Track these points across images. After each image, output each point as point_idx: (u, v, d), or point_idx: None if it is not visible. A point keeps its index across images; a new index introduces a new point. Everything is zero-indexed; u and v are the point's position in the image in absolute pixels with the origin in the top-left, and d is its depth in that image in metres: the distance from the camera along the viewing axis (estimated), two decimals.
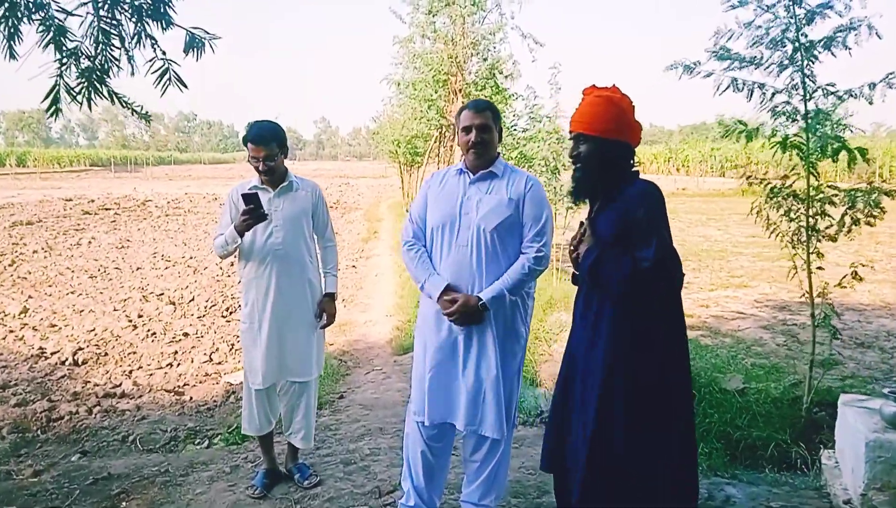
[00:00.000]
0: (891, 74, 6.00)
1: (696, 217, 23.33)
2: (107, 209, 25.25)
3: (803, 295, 5.44)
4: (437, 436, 3.30)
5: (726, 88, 5.81)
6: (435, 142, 16.82)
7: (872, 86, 5.37)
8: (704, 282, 11.76)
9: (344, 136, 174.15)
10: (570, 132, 2.73)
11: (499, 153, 3.29)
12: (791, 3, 5.39)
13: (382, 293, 10.10)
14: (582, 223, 2.79)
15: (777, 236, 5.69)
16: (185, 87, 3.49)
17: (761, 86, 5.59)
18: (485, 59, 9.87)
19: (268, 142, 3.70)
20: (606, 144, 2.61)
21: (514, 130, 10.81)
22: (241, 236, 3.69)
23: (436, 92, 9.75)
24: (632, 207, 2.52)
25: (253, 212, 3.58)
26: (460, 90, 9.76)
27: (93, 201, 28.27)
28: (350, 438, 4.63)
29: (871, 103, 5.28)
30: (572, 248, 2.77)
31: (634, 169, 2.69)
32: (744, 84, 5.69)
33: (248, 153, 3.75)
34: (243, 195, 3.64)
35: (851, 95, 5.47)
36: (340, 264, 14.32)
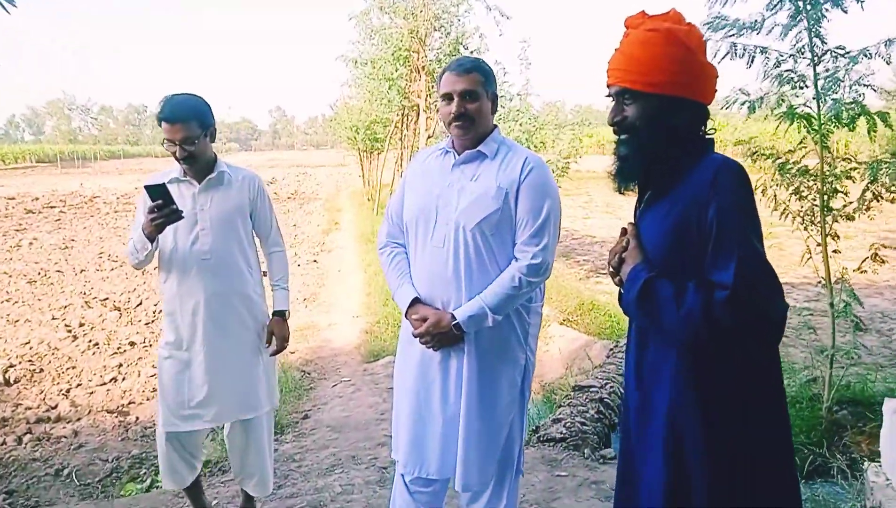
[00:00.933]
0: None
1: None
2: (51, 207, 23.93)
3: (819, 282, 4.91)
4: (424, 489, 2.61)
5: (725, 55, 5.25)
6: (395, 127, 16.07)
7: (889, 43, 4.84)
8: None
9: (300, 124, 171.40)
10: (609, 86, 1.82)
11: (494, 126, 2.57)
12: None
13: (347, 291, 9.37)
14: (624, 230, 1.88)
15: (786, 216, 5.17)
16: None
17: (763, 50, 5.04)
18: (447, 34, 9.14)
19: (186, 120, 2.82)
20: (666, 103, 1.71)
21: None
22: (151, 240, 2.82)
23: (396, 70, 8.99)
24: (700, 199, 1.62)
25: (161, 209, 2.70)
26: (423, 67, 9.05)
27: (37, 198, 26.83)
28: (318, 471, 3.96)
29: (888, 63, 4.77)
30: (612, 267, 1.88)
31: (707, 137, 1.78)
32: (744, 49, 5.13)
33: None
34: (147, 187, 2.73)
35: (866, 56, 4.94)
36: (301, 258, 13.56)
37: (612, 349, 5.39)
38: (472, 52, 9.34)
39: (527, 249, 2.43)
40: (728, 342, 1.58)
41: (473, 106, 2.44)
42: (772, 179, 5.16)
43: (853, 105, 4.54)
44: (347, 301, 8.69)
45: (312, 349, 6.75)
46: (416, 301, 2.48)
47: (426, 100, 9.16)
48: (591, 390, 4.62)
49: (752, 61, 5.05)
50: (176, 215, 2.75)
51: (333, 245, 14.30)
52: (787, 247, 12.49)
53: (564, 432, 4.09)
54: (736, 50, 5.19)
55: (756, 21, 5.14)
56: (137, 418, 6.49)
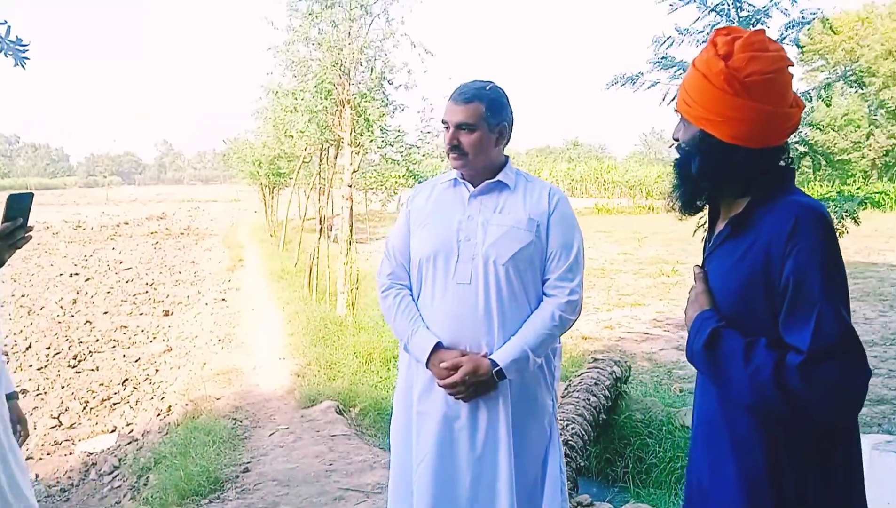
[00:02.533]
0: (849, 68, 5.73)
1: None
2: None
3: None
4: None
5: (674, 98, 5.35)
6: (303, 162, 15.65)
7: (829, 86, 5.08)
8: (600, 302, 11.48)
9: (189, 158, 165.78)
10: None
11: (507, 158, 2.40)
12: (730, 6, 5.04)
13: (267, 331, 8.86)
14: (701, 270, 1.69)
15: None
16: None
17: None
18: (371, 69, 8.96)
19: None
20: (707, 139, 1.56)
21: (402, 146, 10.01)
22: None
23: (321, 103, 8.71)
24: (775, 251, 1.44)
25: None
26: (347, 101, 8.80)
27: None
28: None
29: (828, 105, 4.97)
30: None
31: (785, 167, 1.59)
32: None
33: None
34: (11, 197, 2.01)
35: (806, 98, 5.16)
36: (207, 296, 12.84)
37: (566, 388, 5.26)
38: (396, 88, 9.22)
39: (563, 284, 2.26)
40: (800, 412, 1.40)
41: (468, 138, 2.26)
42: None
43: (797, 144, 4.69)
44: (269, 342, 8.20)
45: (239, 394, 6.25)
46: (438, 347, 2.23)
47: (351, 133, 8.91)
48: None
49: None
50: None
51: (241, 283, 13.64)
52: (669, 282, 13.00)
53: (560, 485, 3.87)
54: None
55: None
56: (38, 475, 5.79)
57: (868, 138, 39.40)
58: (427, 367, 2.24)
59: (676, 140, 1.67)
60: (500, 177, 2.32)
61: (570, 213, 2.35)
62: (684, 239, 20.71)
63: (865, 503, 1.52)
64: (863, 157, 39.64)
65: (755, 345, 1.44)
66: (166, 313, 12.15)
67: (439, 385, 2.21)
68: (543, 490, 2.38)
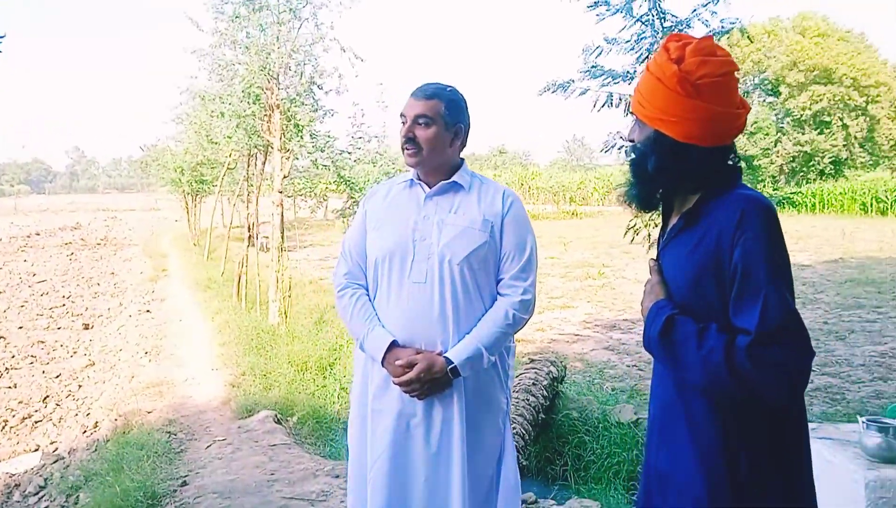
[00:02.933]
0: (765, 78, 6.01)
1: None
2: None
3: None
4: None
5: (604, 104, 5.54)
6: (228, 168, 15.33)
7: (755, 87, 5.35)
8: None
9: (103, 166, 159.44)
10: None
11: (462, 160, 2.45)
12: (655, 17, 5.26)
13: (196, 342, 8.62)
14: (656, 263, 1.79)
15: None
16: None
17: None
18: (300, 74, 8.88)
19: None
20: (661, 138, 1.65)
21: (332, 151, 9.95)
22: None
23: (248, 108, 8.56)
24: (725, 240, 1.54)
25: None
26: (277, 106, 8.68)
27: None
28: None
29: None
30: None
31: (733, 165, 1.69)
32: (620, 98, 5.45)
33: None
34: None
35: None
36: (130, 308, 12.38)
37: None
38: (326, 93, 9.15)
39: (516, 284, 2.32)
40: (749, 391, 1.49)
41: (425, 133, 2.31)
42: (649, 219, 5.45)
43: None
44: (200, 353, 7.98)
45: (172, 406, 6.06)
46: (394, 345, 2.26)
47: (280, 139, 8.79)
48: None
49: (629, 110, 5.36)
50: None
51: (166, 293, 13.22)
52: (595, 285, 13.39)
53: (512, 483, 3.91)
54: (612, 99, 5.48)
55: (629, 72, 5.47)
56: None
57: (776, 145, 41.45)
58: (382, 365, 2.26)
59: (632, 141, 1.76)
60: (455, 178, 2.37)
61: (524, 214, 2.42)
62: (608, 243, 21.31)
63: (813, 485, 1.63)
64: (771, 162, 41.64)
65: (707, 330, 1.54)
66: (86, 327, 11.66)
67: (394, 383, 2.24)
68: (498, 489, 2.43)
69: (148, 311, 11.55)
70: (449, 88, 2.39)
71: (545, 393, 5.39)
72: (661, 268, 1.74)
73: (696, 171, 1.66)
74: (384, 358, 2.25)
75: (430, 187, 2.37)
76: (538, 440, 5.24)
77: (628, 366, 7.95)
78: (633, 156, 1.76)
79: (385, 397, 2.29)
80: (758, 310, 1.47)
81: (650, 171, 1.68)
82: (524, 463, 4.54)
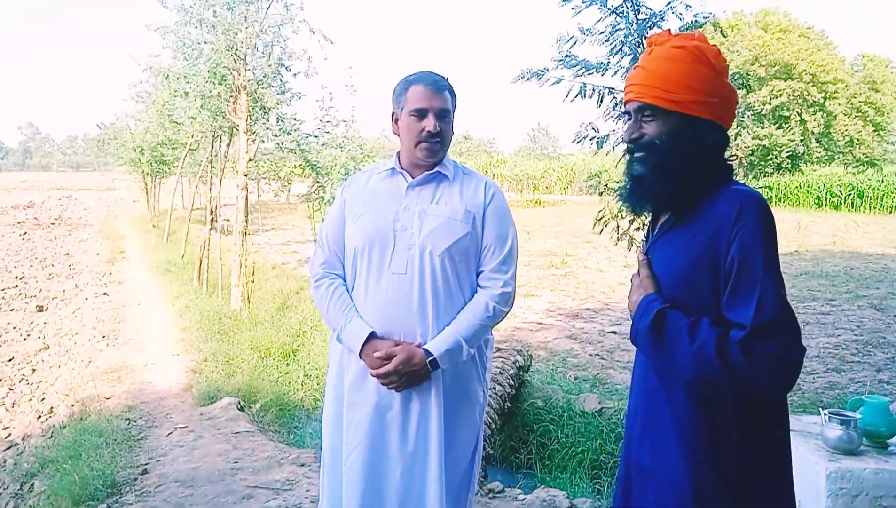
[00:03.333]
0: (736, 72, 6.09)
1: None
2: None
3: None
4: None
5: (577, 95, 5.54)
6: (190, 149, 15.01)
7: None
8: None
9: (58, 143, 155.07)
10: (627, 102, 1.73)
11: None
12: (629, 9, 5.27)
13: (156, 326, 8.44)
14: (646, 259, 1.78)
15: (630, 246, 5.52)
16: None
17: (611, 90, 5.39)
18: (268, 55, 8.71)
19: None
20: (688, 123, 1.63)
21: (299, 135, 9.81)
22: None
23: (214, 88, 8.37)
24: (723, 234, 1.54)
25: None
26: (243, 87, 8.51)
27: None
28: None
29: None
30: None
31: (728, 163, 1.72)
32: (594, 89, 5.46)
33: None
34: None
35: None
36: (87, 290, 12.08)
37: None
38: (294, 75, 8.99)
39: (497, 276, 2.30)
40: (740, 385, 1.50)
41: (447, 128, 2.31)
42: (617, 211, 5.48)
43: None
44: (160, 338, 7.82)
45: (132, 392, 5.93)
46: (372, 337, 2.22)
47: (246, 121, 8.62)
48: None
49: (602, 101, 5.37)
50: None
51: (123, 276, 12.92)
52: (558, 274, 13.52)
53: (476, 478, 3.91)
54: (585, 90, 5.48)
55: (602, 63, 5.47)
56: None
57: (736, 139, 41.88)
58: (360, 357, 2.23)
59: (636, 140, 1.69)
60: (439, 168, 2.34)
61: (505, 206, 2.40)
62: (571, 232, 21.47)
63: (792, 479, 1.65)
64: (731, 156, 42.28)
65: (699, 323, 1.54)
66: (40, 309, 11.32)
67: (372, 375, 2.21)
68: (472, 481, 2.42)
69: (105, 294, 11.28)
70: (447, 78, 2.39)
71: (511, 382, 5.41)
72: (650, 263, 1.74)
73: (710, 153, 1.67)
74: (362, 349, 2.21)
75: (412, 177, 2.34)
76: (504, 428, 5.27)
77: (591, 355, 8.03)
78: (645, 154, 1.68)
79: (362, 389, 2.26)
80: (753, 304, 1.49)
81: (680, 162, 1.64)
82: (490, 452, 4.56)
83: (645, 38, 5.24)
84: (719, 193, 1.62)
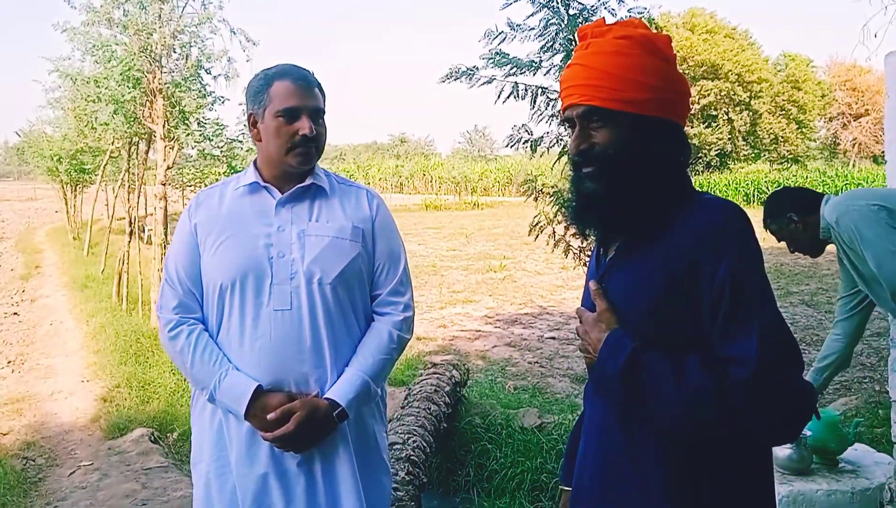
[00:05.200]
0: None
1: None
2: None
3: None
4: None
5: (509, 95, 5.32)
6: (111, 157, 14.27)
7: None
8: (433, 300, 11.42)
9: None
10: (567, 108, 1.44)
11: None
12: (559, 4, 5.08)
13: (67, 350, 7.84)
14: (599, 285, 1.45)
15: (567, 253, 5.32)
16: None
17: (544, 90, 5.19)
18: (187, 56, 8.24)
19: None
20: (645, 124, 1.36)
21: (222, 140, 9.35)
22: None
23: (128, 92, 7.85)
24: (703, 252, 1.27)
25: None
26: (159, 90, 8.01)
27: None
28: None
29: None
30: (582, 344, 1.47)
31: (686, 162, 1.43)
32: (526, 89, 5.24)
33: None
34: None
35: None
36: None
37: (406, 398, 5.03)
38: (215, 78, 8.54)
39: (396, 300, 2.01)
40: (743, 432, 1.24)
41: (323, 130, 1.95)
42: (553, 216, 5.27)
43: None
44: (70, 362, 7.25)
45: (32, 427, 5.40)
46: (258, 392, 1.84)
47: (164, 126, 8.12)
48: (395, 447, 4.19)
49: (535, 101, 5.15)
50: None
51: (37, 293, 12.13)
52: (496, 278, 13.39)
53: None
54: (518, 90, 5.26)
55: (534, 61, 5.26)
56: None
57: None
58: (246, 418, 1.84)
59: (585, 151, 1.40)
60: (312, 179, 1.97)
61: (391, 217, 2.09)
62: (508, 235, 21.41)
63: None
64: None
65: (685, 364, 1.25)
66: None
67: (265, 439, 1.83)
68: None
69: (16, 313, 10.52)
70: (313, 73, 2.03)
71: (447, 400, 5.12)
72: (606, 292, 1.42)
73: (671, 158, 1.40)
74: (248, 411, 1.83)
75: (281, 192, 1.96)
76: (439, 450, 4.98)
77: (530, 363, 7.85)
78: (597, 168, 1.39)
79: (252, 458, 1.88)
80: (755, 335, 1.22)
81: (641, 174, 1.35)
82: (424, 480, 4.25)
83: (576, 32, 5.04)
84: (688, 205, 1.35)
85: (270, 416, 1.80)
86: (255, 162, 2.02)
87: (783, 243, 2.90)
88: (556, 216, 5.26)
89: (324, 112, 1.96)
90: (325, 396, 1.87)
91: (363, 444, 1.98)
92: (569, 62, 1.48)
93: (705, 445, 1.29)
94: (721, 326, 1.25)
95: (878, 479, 3.03)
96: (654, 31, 4.33)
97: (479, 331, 9.49)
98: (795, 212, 2.80)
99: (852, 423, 3.27)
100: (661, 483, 1.32)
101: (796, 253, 2.92)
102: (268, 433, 1.82)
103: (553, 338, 8.92)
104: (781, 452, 3.04)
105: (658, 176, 1.37)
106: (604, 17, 1.53)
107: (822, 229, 2.75)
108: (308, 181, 1.96)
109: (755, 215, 1.83)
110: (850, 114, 48.11)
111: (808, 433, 3.04)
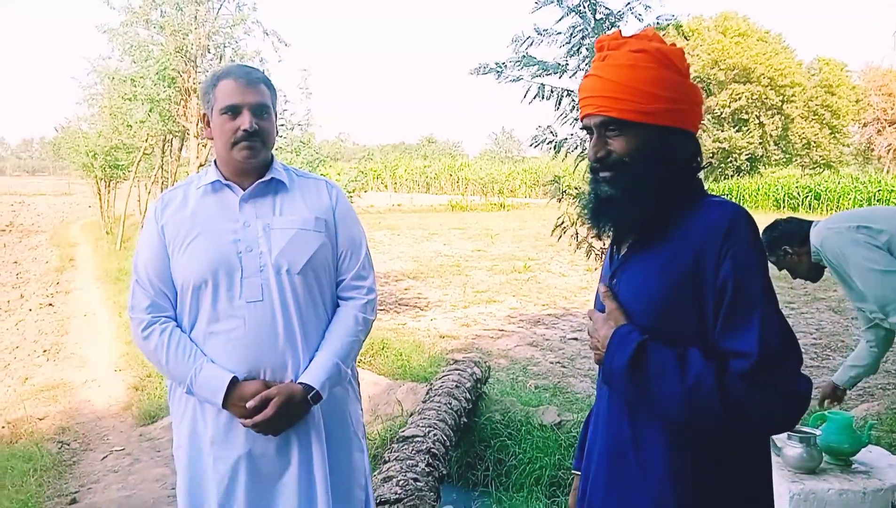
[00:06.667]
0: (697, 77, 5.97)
1: (419, 232, 23.60)
2: None
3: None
4: None
5: (535, 96, 5.40)
6: (144, 154, 14.63)
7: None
8: (457, 299, 11.52)
9: (13, 147, 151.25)
10: (586, 117, 1.52)
11: (272, 154, 2.17)
12: (586, 9, 5.14)
13: (100, 340, 8.07)
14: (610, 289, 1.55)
15: (589, 253, 5.39)
16: None
17: (569, 92, 5.26)
18: (221, 56, 8.44)
19: None
20: (659, 133, 1.45)
21: None
22: None
23: (163, 91, 8.07)
24: (710, 252, 1.36)
25: None
26: (194, 90, 8.22)
27: None
28: None
29: None
30: (590, 333, 1.59)
31: (697, 167, 1.53)
32: (552, 91, 5.32)
33: None
34: None
35: None
36: (31, 301, 11.59)
37: (428, 393, 5.14)
38: None
39: (360, 284, 2.13)
40: (742, 423, 1.33)
41: (266, 124, 2.03)
42: (576, 218, 5.34)
43: None
44: (103, 352, 7.47)
45: (67, 412, 5.60)
46: (233, 382, 1.94)
47: (197, 125, 8.33)
48: (416, 440, 4.30)
49: (560, 103, 5.22)
50: None
51: (71, 286, 12.45)
52: (521, 278, 13.43)
53: (399, 491, 3.70)
54: (544, 92, 5.33)
55: (560, 64, 5.33)
56: None
57: None
58: (224, 407, 1.94)
59: (602, 158, 1.49)
60: (272, 175, 2.07)
61: (350, 205, 2.21)
62: (533, 236, 21.41)
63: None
64: (705, 163, 42.95)
65: (688, 355, 1.35)
66: None
67: (245, 425, 1.94)
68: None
69: (50, 305, 10.81)
70: (260, 70, 2.15)
71: (468, 396, 5.22)
72: (614, 293, 1.52)
73: (685, 164, 1.50)
74: (226, 399, 1.93)
75: (242, 189, 2.05)
76: (459, 444, 5.07)
77: (552, 363, 7.89)
78: (613, 174, 1.48)
79: (230, 442, 1.99)
80: (756, 329, 1.31)
81: (655, 180, 1.45)
82: (445, 472, 4.35)
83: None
84: (696, 207, 1.44)
85: (249, 404, 1.90)
86: (214, 162, 2.13)
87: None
88: (579, 218, 5.33)
89: (269, 107, 2.05)
90: (298, 380, 1.98)
91: (336, 423, 2.10)
92: (587, 72, 1.57)
93: (707, 433, 1.37)
94: (723, 321, 1.35)
95: (891, 480, 3.05)
96: (682, 37, 4.42)
97: (503, 330, 9.55)
98: (789, 245, 3.00)
99: (867, 425, 3.30)
100: (664, 469, 1.41)
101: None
102: (247, 420, 1.92)
103: (575, 339, 8.95)
104: (791, 451, 3.08)
105: (670, 181, 1.46)
106: (620, 29, 1.62)
107: (813, 254, 2.91)
108: (268, 176, 2.06)
109: None
110: (885, 119, 47.28)
111: (819, 432, 3.09)
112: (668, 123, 1.45)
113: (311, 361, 2.01)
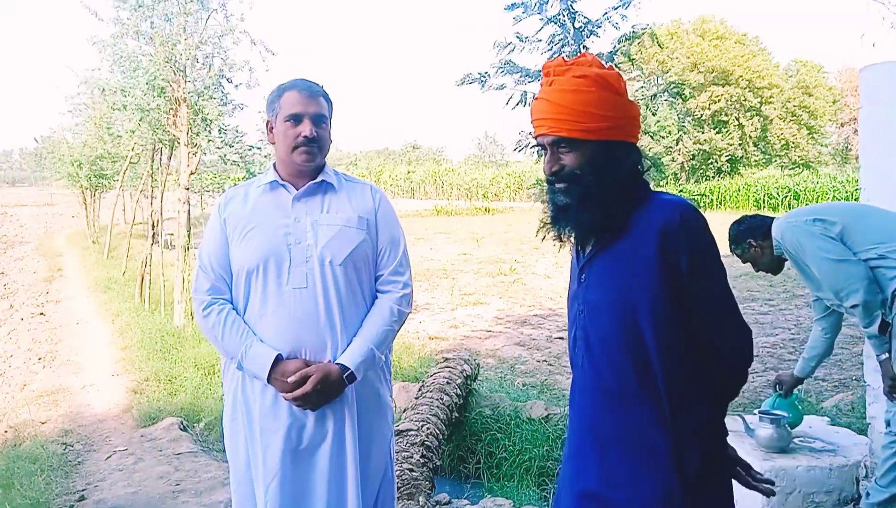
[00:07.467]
0: (672, 83, 6.16)
1: (406, 238, 23.63)
2: None
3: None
4: None
5: (518, 102, 5.61)
6: (130, 163, 14.68)
7: (654, 97, 5.48)
8: (444, 302, 11.71)
9: None
10: (539, 136, 1.73)
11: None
12: (566, 19, 5.36)
13: (95, 346, 8.19)
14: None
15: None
16: None
17: None
18: (209, 67, 8.58)
19: None
20: (604, 147, 1.65)
21: (241, 146, 9.69)
22: None
23: (153, 101, 8.20)
24: (664, 243, 1.57)
25: None
26: (183, 99, 8.36)
27: None
28: None
29: (654, 114, 5.44)
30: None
31: (642, 171, 1.73)
32: (534, 97, 5.54)
33: None
34: None
35: (647, 106, 5.56)
36: (22, 310, 11.67)
37: (420, 389, 5.33)
38: (236, 87, 8.89)
39: (396, 279, 2.33)
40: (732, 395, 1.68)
41: (324, 133, 2.28)
42: None
43: None
44: (99, 358, 7.59)
45: (69, 416, 5.73)
46: (279, 360, 2.16)
47: (187, 133, 8.47)
48: (410, 433, 4.49)
49: None
50: None
51: (61, 295, 12.52)
52: (507, 281, 13.64)
53: (396, 481, 3.89)
54: (526, 98, 5.54)
55: (541, 71, 5.55)
56: None
57: (678, 144, 43.23)
58: (269, 382, 2.16)
59: (556, 172, 1.68)
60: (322, 177, 2.31)
61: (392, 209, 2.44)
62: (518, 239, 21.63)
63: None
64: (673, 160, 43.40)
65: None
66: None
67: (286, 399, 2.15)
68: (392, 488, 2.45)
69: (42, 314, 10.90)
70: (322, 85, 2.38)
71: (459, 392, 5.41)
72: (586, 287, 1.74)
73: (630, 171, 1.70)
74: (270, 374, 2.14)
75: (296, 189, 2.29)
76: (451, 438, 5.27)
77: (538, 361, 8.09)
78: (567, 184, 1.67)
79: (274, 413, 2.20)
80: (716, 318, 1.64)
81: (604, 187, 1.64)
82: (438, 463, 4.54)
83: (582, 45, 5.33)
84: (647, 205, 1.65)
85: (290, 379, 2.12)
86: (274, 164, 2.36)
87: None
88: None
89: (327, 118, 2.29)
90: (336, 361, 2.18)
91: (368, 401, 2.30)
92: (536, 95, 1.78)
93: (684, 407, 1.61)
94: (686, 309, 1.59)
95: (856, 457, 3.29)
96: (657, 44, 4.73)
97: (490, 331, 9.75)
98: (753, 239, 3.26)
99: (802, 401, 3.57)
100: (652, 451, 1.62)
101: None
102: (288, 394, 2.13)
103: (561, 338, 9.15)
104: (764, 432, 3.32)
105: (618, 186, 1.67)
106: (564, 56, 1.83)
107: (774, 247, 3.15)
108: (319, 179, 2.30)
109: None
110: None
111: (786, 414, 3.33)
112: (611, 137, 1.66)
113: (348, 345, 2.21)
